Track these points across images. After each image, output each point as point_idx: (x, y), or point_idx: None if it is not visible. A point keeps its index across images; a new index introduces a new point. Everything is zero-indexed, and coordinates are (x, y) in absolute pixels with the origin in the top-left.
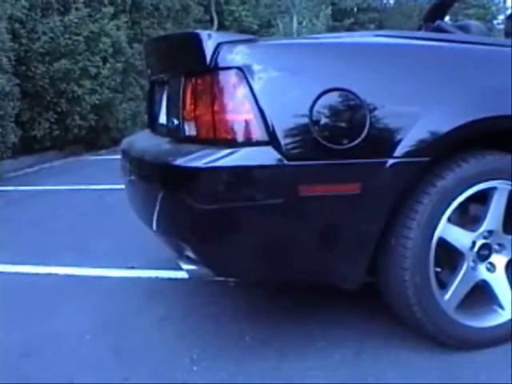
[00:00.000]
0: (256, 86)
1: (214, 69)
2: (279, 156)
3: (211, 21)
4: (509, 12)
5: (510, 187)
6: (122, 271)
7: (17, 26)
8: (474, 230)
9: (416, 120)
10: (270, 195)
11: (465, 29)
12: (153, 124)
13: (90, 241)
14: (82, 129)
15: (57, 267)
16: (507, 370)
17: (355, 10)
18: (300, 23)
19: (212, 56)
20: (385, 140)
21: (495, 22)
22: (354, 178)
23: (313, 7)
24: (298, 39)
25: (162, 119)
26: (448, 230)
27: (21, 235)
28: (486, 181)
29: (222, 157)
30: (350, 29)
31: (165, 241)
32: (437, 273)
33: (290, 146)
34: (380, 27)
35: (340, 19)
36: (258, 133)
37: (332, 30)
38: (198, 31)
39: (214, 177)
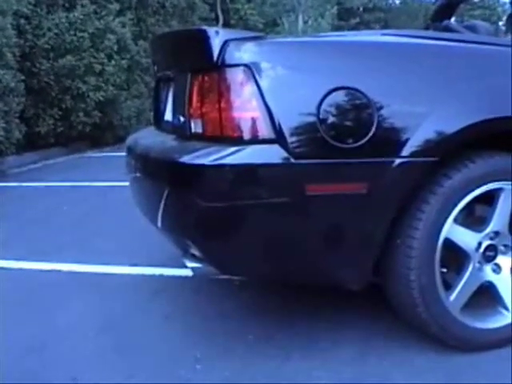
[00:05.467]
0: (263, 84)
1: (221, 66)
2: (286, 154)
3: (216, 19)
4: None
5: None
6: (126, 268)
7: (22, 21)
8: (480, 231)
9: (423, 120)
10: (276, 193)
11: (473, 29)
12: (158, 121)
13: (93, 237)
14: (86, 125)
15: (60, 264)
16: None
17: (361, 9)
18: (305, 22)
19: (219, 53)
20: (392, 139)
21: (501, 23)
22: (360, 178)
23: (318, 6)
24: (305, 37)
25: (168, 116)
26: (454, 231)
27: (24, 231)
28: (493, 182)
29: (229, 154)
30: (355, 28)
31: (170, 238)
32: (442, 273)
33: (296, 145)
34: (385, 27)
35: (345, 19)
36: (265, 131)
37: (337, 29)
38: (206, 28)
39: (219, 174)
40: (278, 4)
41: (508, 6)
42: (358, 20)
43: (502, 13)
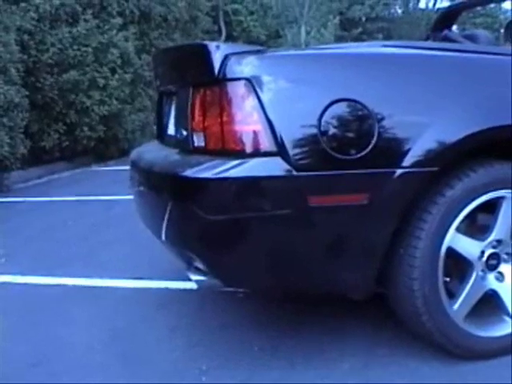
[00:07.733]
0: (264, 97)
1: (222, 80)
2: (288, 167)
3: (219, 31)
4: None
5: None
6: (131, 282)
7: (26, 37)
8: (482, 240)
9: (424, 130)
10: (279, 206)
11: (473, 38)
12: (161, 135)
13: (98, 251)
14: (90, 140)
15: (65, 278)
16: None
17: (363, 19)
18: (308, 33)
19: (220, 67)
20: (393, 150)
21: (502, 30)
22: (362, 189)
23: (321, 17)
24: (306, 50)
25: (171, 130)
26: (457, 240)
27: (30, 246)
28: (495, 190)
29: (231, 168)
30: (358, 38)
31: (174, 251)
32: (445, 282)
33: (298, 157)
34: (388, 37)
35: (348, 29)
36: (267, 144)
37: (340, 39)
38: (206, 42)
39: (222, 188)
40: (280, 16)
41: (509, 13)
42: (360, 30)
43: (504, 20)
